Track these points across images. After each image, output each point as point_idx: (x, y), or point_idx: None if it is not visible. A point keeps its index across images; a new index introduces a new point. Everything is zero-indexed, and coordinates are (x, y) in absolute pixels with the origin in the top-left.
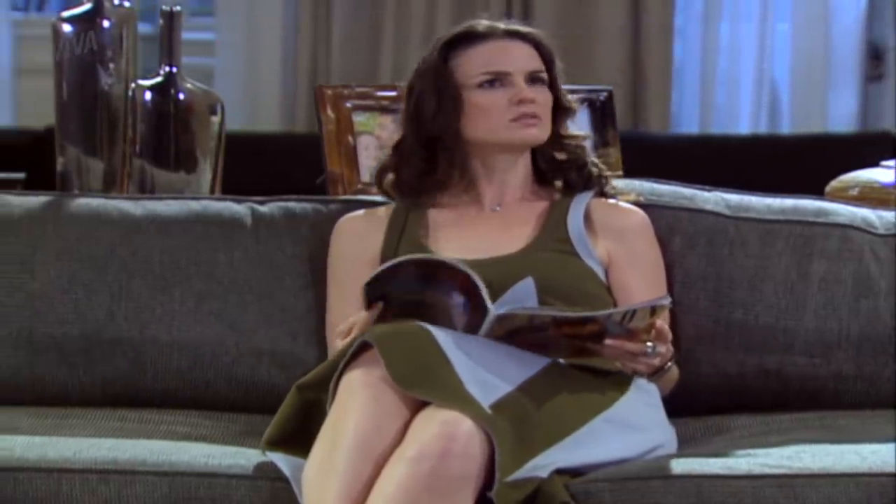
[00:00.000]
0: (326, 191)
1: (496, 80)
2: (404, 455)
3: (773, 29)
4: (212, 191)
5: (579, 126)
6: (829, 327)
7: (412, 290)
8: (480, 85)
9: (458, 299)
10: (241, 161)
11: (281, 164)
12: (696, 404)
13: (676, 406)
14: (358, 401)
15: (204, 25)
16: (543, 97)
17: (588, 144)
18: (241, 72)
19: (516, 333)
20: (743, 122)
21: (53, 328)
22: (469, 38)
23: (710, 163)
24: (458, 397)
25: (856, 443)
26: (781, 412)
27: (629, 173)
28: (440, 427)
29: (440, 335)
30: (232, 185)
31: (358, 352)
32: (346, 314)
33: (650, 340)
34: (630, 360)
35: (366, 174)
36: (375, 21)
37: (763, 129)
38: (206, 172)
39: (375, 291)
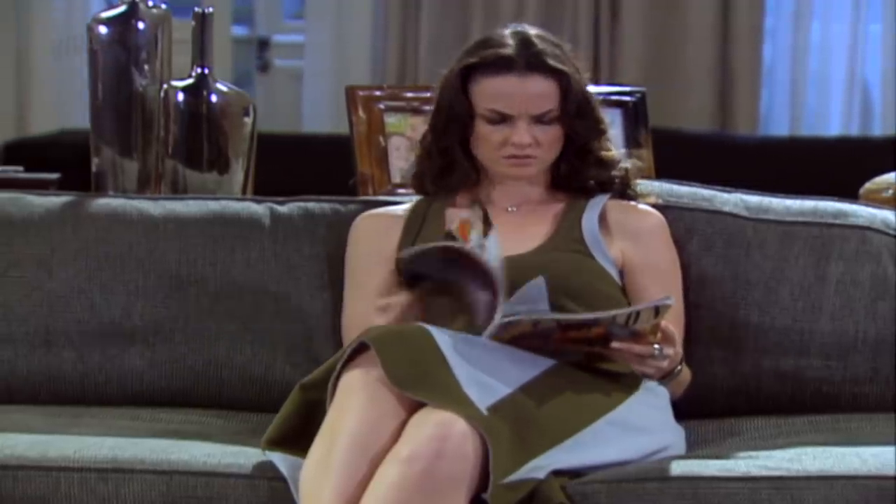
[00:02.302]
0: (357, 192)
1: (500, 118)
2: (397, 456)
3: (865, 29)
4: (243, 192)
5: (610, 127)
6: (845, 330)
7: (445, 278)
8: (485, 117)
9: (483, 297)
10: (328, 162)
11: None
12: (712, 406)
13: (692, 408)
14: (356, 401)
15: (296, 28)
16: (547, 136)
17: (621, 157)
18: (329, 73)
19: (522, 338)
20: (834, 123)
21: (70, 327)
22: (490, 65)
23: (800, 165)
24: (454, 399)
25: (862, 445)
26: (797, 415)
27: (716, 175)
28: (433, 428)
29: (440, 336)
30: (307, 186)
31: (356, 352)
32: (362, 311)
33: (657, 343)
34: (638, 363)
35: (396, 175)
36: (463, 22)
37: (854, 131)
38: (237, 173)
39: (409, 272)
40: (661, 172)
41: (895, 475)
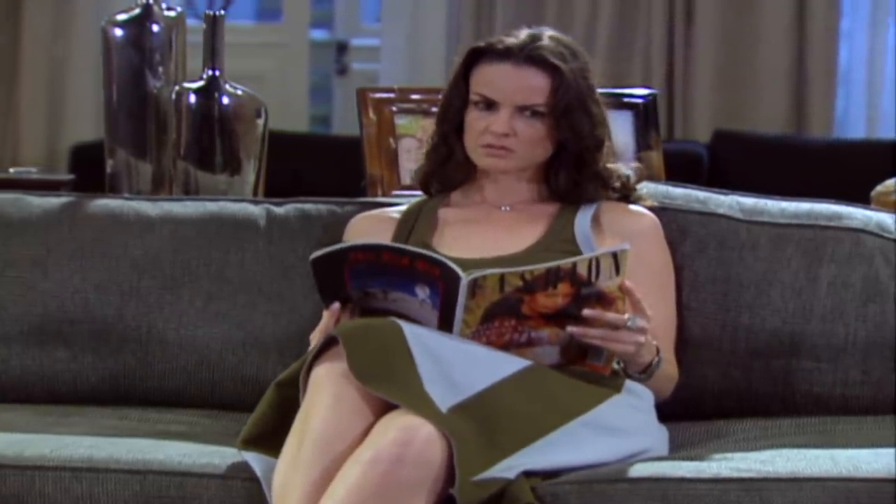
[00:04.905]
0: (367, 194)
1: (486, 104)
2: (359, 458)
3: None
4: (254, 193)
5: (621, 129)
6: (835, 332)
7: (374, 294)
8: (475, 103)
9: (422, 293)
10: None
11: None
12: (703, 408)
13: (682, 409)
14: (323, 398)
15: (375, 31)
16: (527, 131)
17: (627, 170)
18: (404, 76)
19: (494, 316)
20: None
21: (64, 327)
22: (490, 53)
23: (876, 168)
24: (414, 397)
25: (843, 448)
26: (787, 417)
27: (789, 179)
28: (397, 432)
29: (410, 332)
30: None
31: (328, 345)
32: None
33: (627, 313)
34: (614, 340)
35: (406, 177)
36: (536, 25)
37: None
38: (249, 174)
39: (335, 293)
40: (734, 176)
41: (863, 477)
